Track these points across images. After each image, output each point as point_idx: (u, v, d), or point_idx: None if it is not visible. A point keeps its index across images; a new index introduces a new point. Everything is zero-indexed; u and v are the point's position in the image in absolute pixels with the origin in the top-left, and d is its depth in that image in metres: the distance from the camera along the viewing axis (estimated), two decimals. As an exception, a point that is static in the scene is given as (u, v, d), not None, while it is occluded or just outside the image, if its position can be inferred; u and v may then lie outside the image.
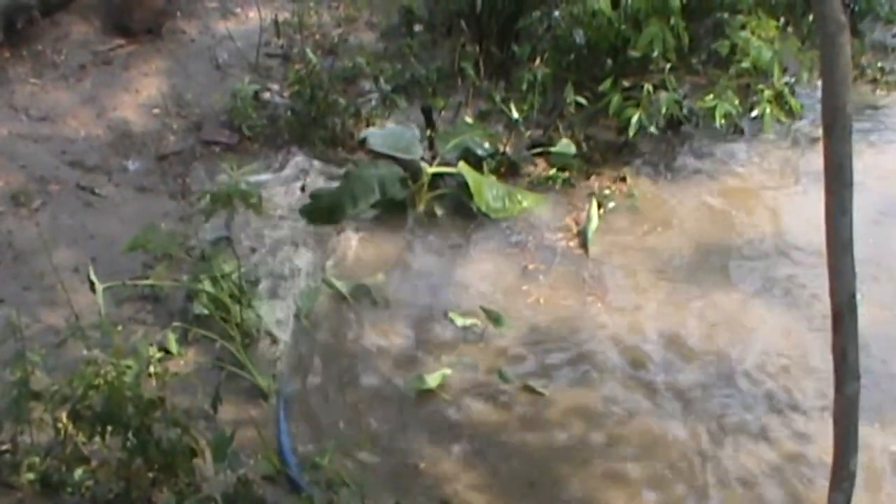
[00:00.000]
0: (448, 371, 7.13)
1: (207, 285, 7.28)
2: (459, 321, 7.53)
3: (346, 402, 6.97)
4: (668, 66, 8.96)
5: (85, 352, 6.29)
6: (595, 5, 8.83)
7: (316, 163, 8.85)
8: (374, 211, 8.42)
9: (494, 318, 7.45)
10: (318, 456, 6.19)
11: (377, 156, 8.95)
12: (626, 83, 9.05)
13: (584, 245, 8.27)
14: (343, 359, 7.29)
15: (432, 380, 7.03)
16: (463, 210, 8.56)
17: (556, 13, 9.28)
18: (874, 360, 6.91)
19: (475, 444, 6.70)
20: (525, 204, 8.60)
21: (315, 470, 6.09)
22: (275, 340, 7.24)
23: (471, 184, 8.46)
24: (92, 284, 7.06)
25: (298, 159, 8.86)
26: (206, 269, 7.42)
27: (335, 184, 8.51)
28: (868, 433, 6.12)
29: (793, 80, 9.39)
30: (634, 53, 8.96)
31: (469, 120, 9.28)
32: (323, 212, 8.29)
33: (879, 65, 10.18)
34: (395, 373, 7.19)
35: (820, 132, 8.92)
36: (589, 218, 8.42)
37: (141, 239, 7.53)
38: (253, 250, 7.92)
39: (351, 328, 7.52)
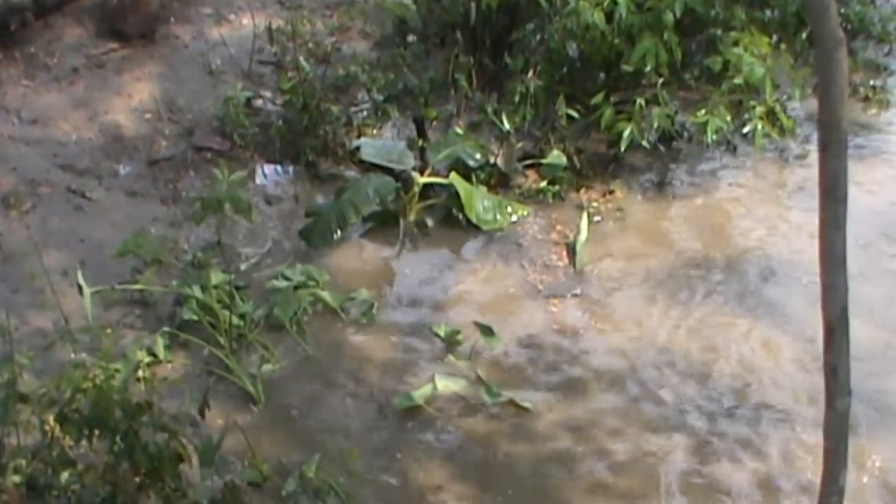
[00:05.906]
0: (436, 385, 7.07)
1: (196, 291, 7.28)
2: (448, 334, 7.51)
3: (334, 413, 6.96)
4: (661, 80, 8.96)
5: (73, 355, 6.30)
6: (589, 19, 8.82)
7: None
8: (365, 221, 8.41)
9: (485, 332, 7.44)
10: (306, 466, 6.19)
11: (368, 166, 8.95)
12: (618, 97, 9.07)
13: (572, 258, 8.27)
14: (331, 370, 7.28)
15: (419, 395, 6.98)
16: (453, 221, 8.55)
17: (550, 26, 9.28)
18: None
19: (461, 456, 6.69)
20: (515, 216, 8.61)
21: (302, 479, 6.09)
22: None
23: (462, 195, 8.47)
24: (80, 288, 7.05)
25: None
26: (196, 276, 7.43)
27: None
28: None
29: (785, 97, 9.42)
30: (627, 68, 8.97)
31: (460, 131, 9.27)
32: (323, 229, 8.16)
33: (872, 83, 10.21)
34: (383, 386, 7.17)
35: (811, 149, 9.12)
36: (579, 231, 8.43)
37: (131, 244, 7.55)
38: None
39: (339, 340, 7.51)
